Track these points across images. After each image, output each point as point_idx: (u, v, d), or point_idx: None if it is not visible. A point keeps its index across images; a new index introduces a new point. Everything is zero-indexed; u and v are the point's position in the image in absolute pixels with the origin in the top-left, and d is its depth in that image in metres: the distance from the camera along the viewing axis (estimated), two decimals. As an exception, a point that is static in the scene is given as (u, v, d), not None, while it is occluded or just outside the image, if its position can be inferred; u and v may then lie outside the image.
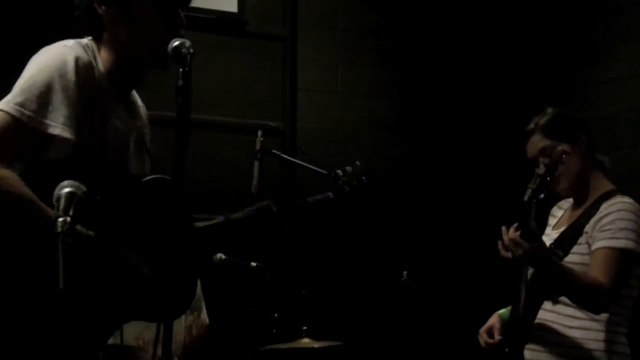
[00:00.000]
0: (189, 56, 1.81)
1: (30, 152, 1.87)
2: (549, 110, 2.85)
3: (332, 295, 4.47)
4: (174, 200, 1.84)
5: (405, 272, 3.84)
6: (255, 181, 3.29)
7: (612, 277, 2.59)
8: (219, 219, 2.24)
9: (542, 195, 2.53)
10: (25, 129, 1.85)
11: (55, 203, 1.52)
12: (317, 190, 4.37)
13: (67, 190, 1.53)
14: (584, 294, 2.62)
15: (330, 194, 2.50)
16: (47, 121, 1.87)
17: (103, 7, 2.02)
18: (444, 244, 4.77)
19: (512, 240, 2.54)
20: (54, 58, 1.92)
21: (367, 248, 4.61)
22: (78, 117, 1.91)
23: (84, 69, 1.94)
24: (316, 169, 3.28)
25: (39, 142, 1.87)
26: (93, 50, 2.04)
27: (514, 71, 4.95)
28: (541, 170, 2.56)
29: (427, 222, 4.73)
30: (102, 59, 2.04)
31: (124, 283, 1.85)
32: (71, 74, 1.91)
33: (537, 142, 2.79)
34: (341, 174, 2.67)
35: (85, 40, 2.06)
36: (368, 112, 4.81)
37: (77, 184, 1.55)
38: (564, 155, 2.60)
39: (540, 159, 2.64)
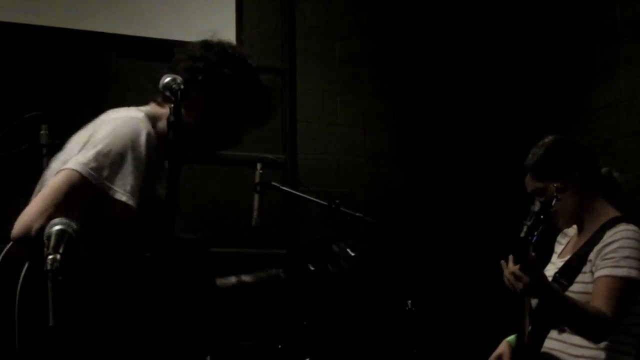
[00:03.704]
0: (179, 92, 1.83)
1: (93, 211, 1.99)
2: (542, 143, 2.82)
3: (336, 325, 4.44)
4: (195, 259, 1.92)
5: (410, 301, 3.82)
6: (255, 214, 3.29)
7: (614, 307, 2.58)
8: (232, 280, 2.31)
9: (536, 233, 2.52)
10: (95, 191, 1.98)
11: (45, 241, 1.53)
12: (318, 222, 4.39)
13: (57, 227, 1.54)
14: (585, 324, 2.60)
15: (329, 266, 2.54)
16: (116, 188, 1.99)
17: (195, 91, 2.12)
18: (449, 271, 4.74)
19: (512, 273, 2.54)
20: (129, 129, 2.05)
21: (370, 277, 4.59)
22: (142, 188, 2.03)
23: (152, 144, 2.07)
24: (317, 200, 3.29)
25: (103, 204, 2.00)
26: (154, 119, 2.14)
27: (513, 97, 4.96)
28: (536, 207, 2.56)
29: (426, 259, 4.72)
30: (160, 128, 2.13)
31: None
32: (143, 148, 2.03)
33: (529, 182, 2.79)
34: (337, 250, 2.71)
35: (148, 108, 2.17)
36: (368, 142, 4.82)
37: (67, 221, 1.56)
38: (556, 194, 2.59)
39: (536, 197, 2.64)
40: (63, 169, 1.99)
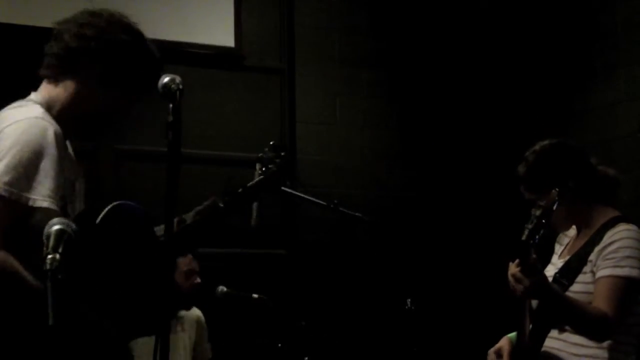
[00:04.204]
0: (178, 92, 1.82)
1: (15, 225, 1.93)
2: (533, 152, 2.80)
3: (335, 324, 4.45)
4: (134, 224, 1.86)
5: (409, 299, 3.82)
6: (254, 214, 3.29)
7: (616, 307, 2.58)
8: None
9: (537, 236, 2.53)
10: (13, 206, 1.91)
11: (44, 240, 1.53)
12: (317, 222, 4.39)
13: (56, 227, 1.53)
14: (587, 324, 2.61)
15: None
16: (35, 197, 1.93)
17: (88, 61, 2.07)
18: (448, 270, 4.75)
19: (513, 276, 2.54)
20: (34, 134, 1.97)
21: (369, 276, 4.60)
22: (60, 185, 1.97)
23: (60, 140, 2.00)
24: (316, 200, 3.28)
25: (24, 215, 1.93)
26: (50, 106, 2.08)
27: (513, 97, 4.96)
28: (537, 211, 2.57)
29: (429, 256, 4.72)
30: (54, 105, 2.08)
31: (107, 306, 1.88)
32: (53, 148, 1.96)
33: (524, 192, 2.79)
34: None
35: (42, 95, 2.10)
36: (367, 142, 4.82)
37: (66, 221, 1.56)
38: (557, 199, 2.60)
39: (537, 202, 2.65)
40: None
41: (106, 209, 1.98)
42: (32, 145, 1.94)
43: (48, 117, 2.03)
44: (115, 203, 2.00)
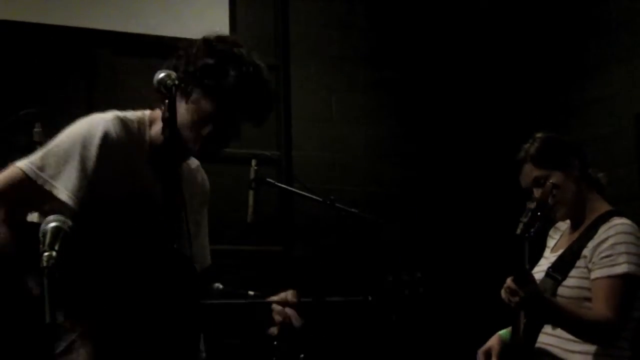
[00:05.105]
0: (173, 88, 1.81)
1: (32, 204, 1.98)
2: (538, 136, 2.82)
3: (330, 322, 4.44)
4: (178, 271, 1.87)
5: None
6: (250, 211, 3.28)
7: (617, 307, 2.57)
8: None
9: (532, 230, 2.52)
10: (34, 188, 1.95)
11: (41, 238, 1.52)
12: (313, 218, 4.39)
13: (52, 224, 1.53)
14: (588, 331, 2.60)
15: None
16: (58, 185, 1.95)
17: (195, 86, 2.04)
18: (446, 267, 4.74)
19: (508, 288, 2.54)
20: (83, 128, 2.00)
21: (366, 273, 4.59)
22: (89, 189, 1.96)
23: (111, 145, 1.98)
24: (312, 196, 3.28)
25: (46, 202, 1.96)
26: (143, 124, 2.07)
27: (509, 92, 4.96)
28: (532, 204, 2.56)
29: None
30: (154, 133, 2.06)
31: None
32: (94, 148, 1.96)
33: (529, 172, 2.77)
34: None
35: (138, 114, 2.10)
36: (363, 138, 4.82)
37: (62, 218, 1.55)
38: (553, 190, 2.60)
39: (534, 191, 2.65)
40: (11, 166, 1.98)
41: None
42: (74, 139, 1.97)
43: (116, 124, 2.02)
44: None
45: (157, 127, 2.04)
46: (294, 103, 4.68)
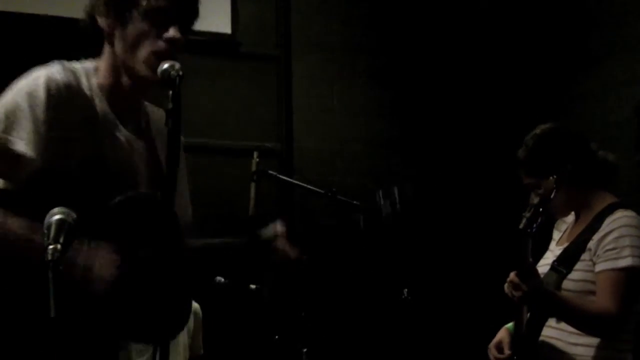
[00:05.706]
0: (178, 78, 1.79)
1: (8, 178, 1.89)
2: (533, 135, 2.79)
3: (332, 316, 4.44)
4: (158, 219, 1.80)
5: (406, 289, 3.81)
6: (252, 203, 3.28)
7: (620, 301, 2.57)
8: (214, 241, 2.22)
9: (535, 225, 2.52)
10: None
11: (45, 231, 1.51)
12: (315, 210, 4.38)
13: (57, 217, 1.51)
14: (591, 324, 2.60)
15: None
16: (11, 138, 1.87)
17: (104, 19, 2.03)
18: (446, 260, 4.74)
19: (511, 282, 2.53)
20: (27, 81, 1.94)
21: (367, 266, 4.59)
22: (49, 139, 1.89)
23: (57, 91, 1.93)
24: (313, 188, 3.28)
25: (8, 161, 1.88)
26: (86, 73, 2.03)
27: (510, 84, 4.95)
28: (535, 200, 2.56)
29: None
30: (101, 78, 2.03)
31: (115, 305, 1.82)
32: (41, 97, 1.90)
33: (523, 177, 2.78)
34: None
35: (77, 64, 2.05)
36: (364, 130, 4.81)
37: (67, 210, 1.54)
38: (555, 186, 2.59)
39: (534, 190, 2.65)
40: None
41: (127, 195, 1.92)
42: (20, 92, 1.91)
43: (60, 71, 1.97)
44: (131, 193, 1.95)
45: (105, 72, 2.02)
46: (295, 95, 4.66)
